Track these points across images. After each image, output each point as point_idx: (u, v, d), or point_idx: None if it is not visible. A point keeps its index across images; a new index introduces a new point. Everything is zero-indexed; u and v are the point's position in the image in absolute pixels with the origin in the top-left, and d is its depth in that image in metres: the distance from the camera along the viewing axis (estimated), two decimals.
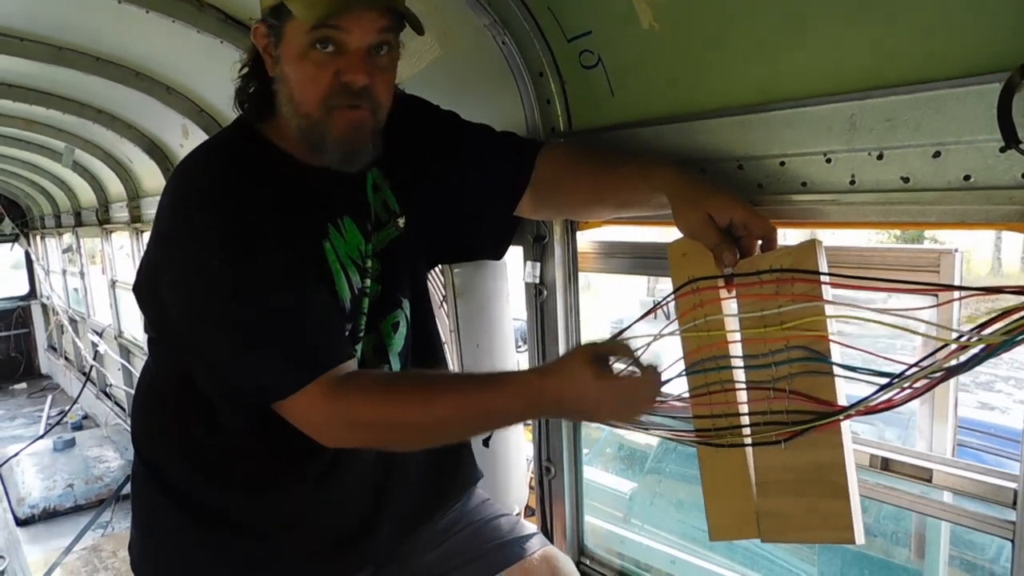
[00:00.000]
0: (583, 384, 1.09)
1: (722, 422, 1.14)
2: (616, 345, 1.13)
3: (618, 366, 1.13)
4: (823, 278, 1.05)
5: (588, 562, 1.92)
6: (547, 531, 1.95)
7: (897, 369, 0.96)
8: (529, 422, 2.10)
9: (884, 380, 0.96)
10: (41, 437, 6.29)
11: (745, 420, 1.12)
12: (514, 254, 1.77)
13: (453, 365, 1.91)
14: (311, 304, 1.24)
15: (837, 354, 1.04)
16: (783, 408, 1.06)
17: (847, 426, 1.04)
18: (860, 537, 1.03)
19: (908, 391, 0.95)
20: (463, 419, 1.21)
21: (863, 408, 0.99)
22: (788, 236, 1.35)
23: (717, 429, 1.15)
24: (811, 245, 1.06)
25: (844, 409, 1.01)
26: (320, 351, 1.22)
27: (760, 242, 1.15)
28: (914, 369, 0.93)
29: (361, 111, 1.22)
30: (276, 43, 1.22)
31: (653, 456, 3.55)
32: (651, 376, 1.10)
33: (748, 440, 1.12)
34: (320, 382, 1.19)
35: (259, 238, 1.21)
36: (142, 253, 5.07)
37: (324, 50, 1.18)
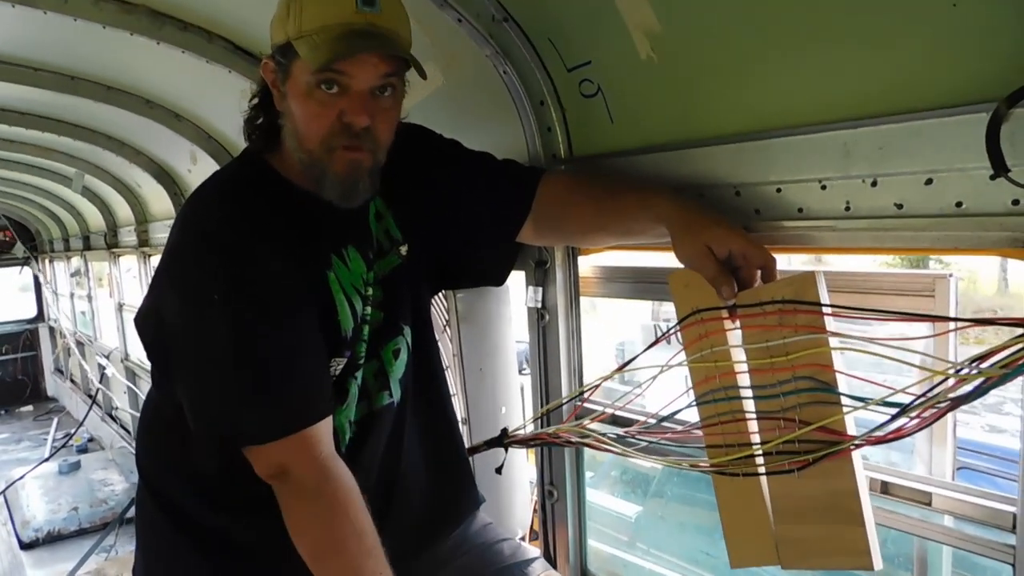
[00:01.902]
0: None
1: (735, 452, 1.17)
2: None
3: None
4: (825, 309, 1.07)
5: None
6: (550, 555, 1.95)
7: (901, 398, 0.98)
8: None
9: (891, 410, 0.99)
10: (46, 460, 6.29)
11: (758, 449, 1.15)
12: (516, 278, 1.78)
13: (456, 389, 1.93)
14: (302, 354, 1.28)
15: (843, 383, 1.06)
16: (794, 438, 1.09)
17: (858, 454, 1.06)
18: (878, 563, 1.05)
19: (916, 420, 0.97)
20: None
21: (873, 438, 1.02)
22: (792, 261, 1.37)
23: (731, 459, 1.17)
24: (811, 276, 1.09)
25: (854, 439, 1.04)
26: (296, 409, 1.26)
27: (760, 272, 1.17)
28: (921, 399, 0.95)
29: (361, 152, 1.27)
30: (283, 79, 1.27)
31: (657, 480, 3.54)
32: None
33: (762, 469, 1.15)
34: (298, 437, 1.24)
35: (262, 285, 1.25)
36: (150, 277, 5.10)
37: (328, 90, 1.22)
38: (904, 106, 1.09)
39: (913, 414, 0.97)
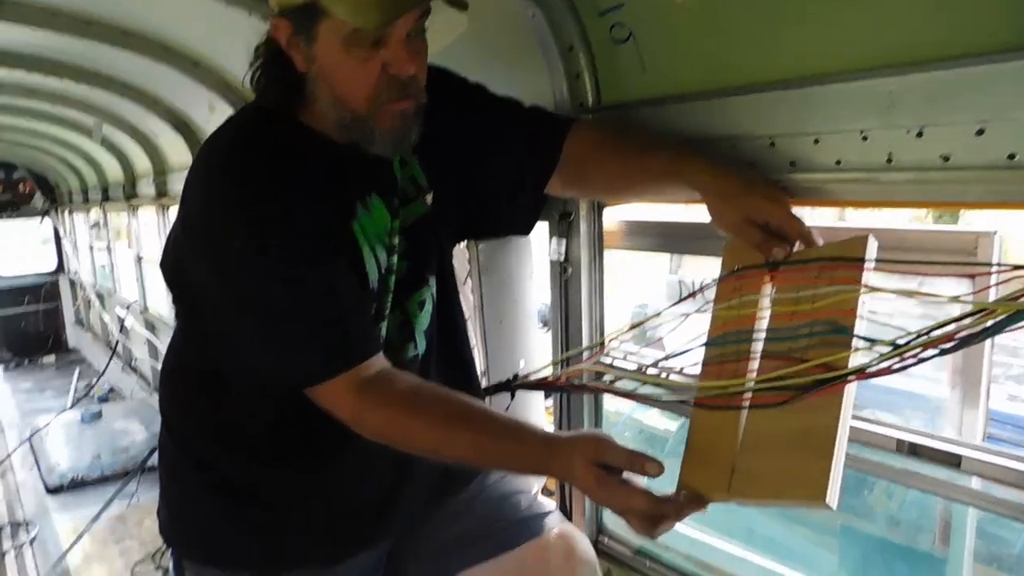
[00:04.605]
0: (581, 483, 1.12)
1: (722, 388, 1.11)
2: (624, 457, 1.09)
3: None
4: (868, 265, 1.02)
5: (606, 540, 1.93)
6: (565, 510, 1.96)
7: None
8: (549, 404, 2.11)
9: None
10: (69, 409, 6.40)
11: (750, 386, 1.09)
12: (538, 232, 1.75)
13: (476, 342, 1.91)
14: (342, 293, 1.25)
15: (863, 330, 1.01)
16: (787, 373, 1.02)
17: (850, 394, 0.99)
18: (833, 500, 0.96)
19: (910, 359, 0.91)
20: (471, 461, 1.29)
21: (866, 374, 0.96)
22: (816, 216, 1.32)
23: (717, 395, 1.12)
24: (863, 239, 1.04)
25: (846, 374, 0.97)
26: (351, 344, 1.23)
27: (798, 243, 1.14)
28: (923, 337, 0.90)
29: (408, 101, 1.22)
30: (307, 42, 1.19)
31: (673, 439, 3.55)
32: (644, 500, 1.07)
33: (746, 404, 1.08)
34: (347, 376, 1.21)
35: (291, 223, 1.20)
36: (168, 229, 5.10)
37: (367, 45, 1.16)
38: (956, 51, 1.03)
39: (907, 353, 0.91)
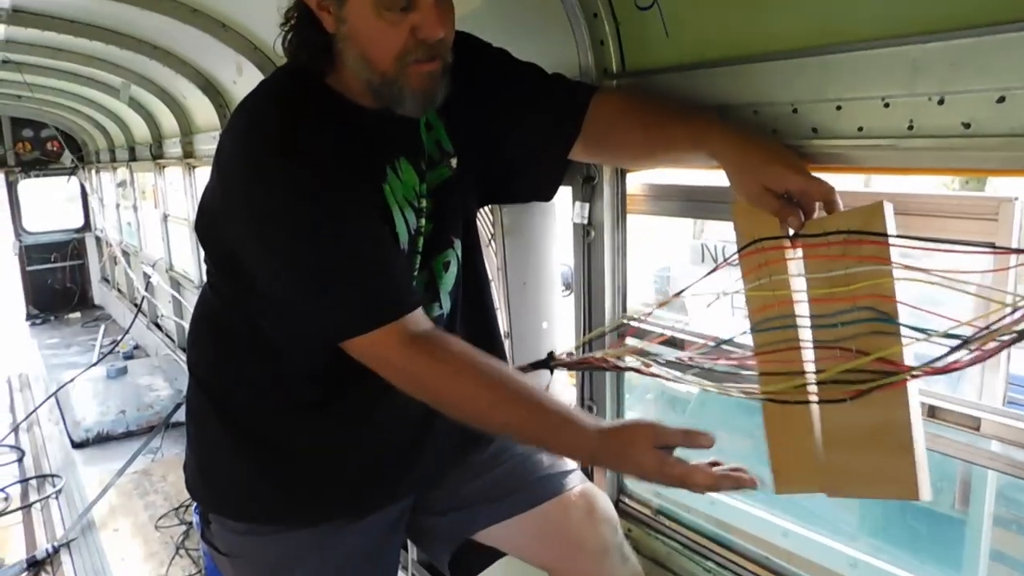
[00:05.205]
0: (646, 466, 1.18)
1: (789, 380, 1.16)
2: (681, 436, 1.18)
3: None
4: (891, 240, 1.05)
5: (627, 500, 1.96)
6: (587, 469, 1.99)
7: (960, 329, 0.96)
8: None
9: (951, 342, 0.97)
10: (94, 365, 6.51)
11: (812, 378, 1.14)
12: (562, 195, 1.77)
13: (499, 303, 1.94)
14: (381, 246, 1.28)
15: (904, 314, 1.04)
16: (852, 367, 1.07)
17: (914, 385, 1.05)
18: (925, 493, 1.04)
19: (976, 353, 0.95)
20: (513, 433, 1.35)
21: (931, 369, 1.00)
22: (841, 182, 1.33)
23: (785, 387, 1.16)
24: (879, 206, 1.06)
25: (911, 369, 1.02)
26: (398, 293, 1.26)
27: (821, 204, 1.16)
28: (984, 332, 0.94)
29: (435, 62, 1.25)
30: (338, 3, 1.22)
31: (695, 401, 3.54)
32: (706, 477, 1.15)
33: (815, 398, 1.14)
34: (397, 327, 1.23)
35: (328, 181, 1.23)
36: (195, 189, 5.10)
37: (397, 9, 1.18)
38: (979, 20, 1.04)
39: (973, 346, 0.95)
